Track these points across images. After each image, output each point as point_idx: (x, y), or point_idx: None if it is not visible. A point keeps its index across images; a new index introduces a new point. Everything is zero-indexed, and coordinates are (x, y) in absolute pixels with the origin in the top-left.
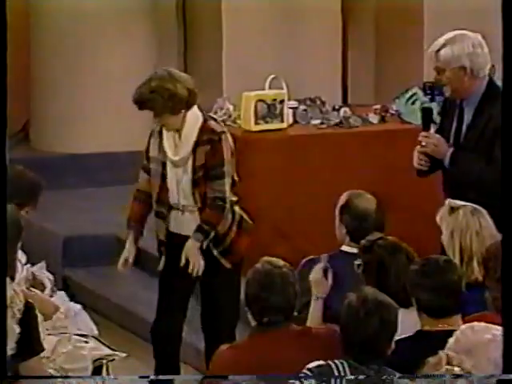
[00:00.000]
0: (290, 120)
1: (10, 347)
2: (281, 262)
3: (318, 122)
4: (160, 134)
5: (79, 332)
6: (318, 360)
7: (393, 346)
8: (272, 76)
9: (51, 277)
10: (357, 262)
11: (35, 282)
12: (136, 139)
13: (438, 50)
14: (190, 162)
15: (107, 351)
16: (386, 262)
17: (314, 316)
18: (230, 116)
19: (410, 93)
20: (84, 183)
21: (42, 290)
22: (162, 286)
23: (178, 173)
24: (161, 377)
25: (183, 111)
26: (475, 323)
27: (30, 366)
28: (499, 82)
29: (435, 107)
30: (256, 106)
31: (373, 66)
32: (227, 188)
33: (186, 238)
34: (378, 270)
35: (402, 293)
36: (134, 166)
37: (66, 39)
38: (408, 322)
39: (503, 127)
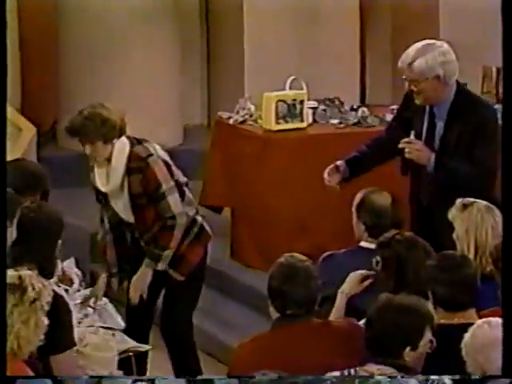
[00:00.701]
0: (310, 120)
1: (39, 338)
2: (303, 257)
3: (336, 121)
4: (93, 167)
5: (106, 325)
6: (338, 352)
7: (410, 353)
8: (292, 77)
9: (79, 272)
10: (375, 259)
11: (64, 278)
12: (161, 139)
13: (411, 63)
14: (125, 191)
15: (133, 343)
16: (404, 256)
17: (339, 310)
18: (251, 116)
19: None
20: None
21: (70, 285)
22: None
23: (116, 203)
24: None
25: (114, 140)
26: (491, 318)
27: (62, 359)
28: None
29: None
30: (277, 106)
31: (390, 66)
32: (173, 205)
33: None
34: (397, 265)
35: (420, 286)
36: None
37: (93, 42)
38: None
39: (503, 127)
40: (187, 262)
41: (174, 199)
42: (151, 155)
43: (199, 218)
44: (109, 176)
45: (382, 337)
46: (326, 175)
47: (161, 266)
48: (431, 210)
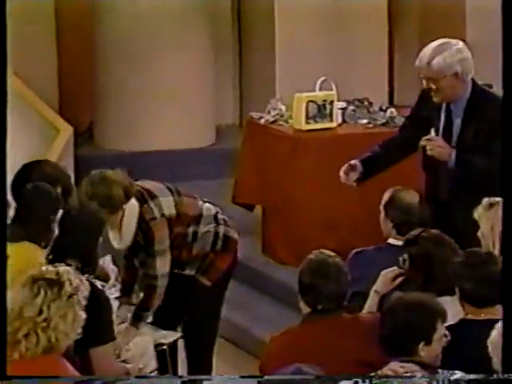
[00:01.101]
0: (339, 120)
1: (77, 332)
2: (332, 253)
3: (365, 121)
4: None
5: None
6: (367, 346)
7: (424, 349)
8: (322, 78)
9: (115, 269)
10: (402, 258)
11: (101, 273)
12: (194, 138)
13: (429, 61)
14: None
15: (164, 332)
16: (431, 253)
17: (371, 308)
18: (282, 116)
19: None
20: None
21: (107, 281)
22: None
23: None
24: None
25: (124, 206)
26: None
27: (102, 352)
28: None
29: None
30: (307, 107)
31: None
32: (158, 266)
33: None
34: (424, 262)
35: (447, 283)
36: (192, 164)
37: (129, 44)
38: (453, 309)
39: (503, 127)
40: (216, 269)
41: (162, 261)
42: (154, 219)
43: (221, 230)
44: (122, 236)
45: (394, 335)
46: (341, 173)
47: (142, 326)
48: (449, 207)
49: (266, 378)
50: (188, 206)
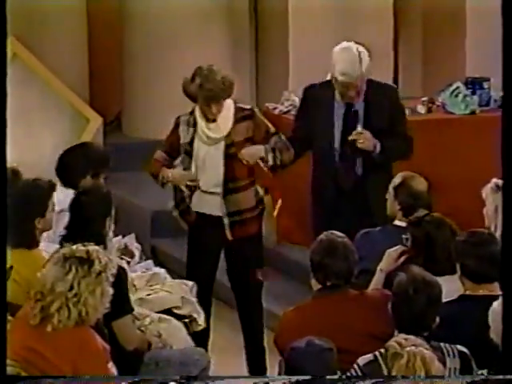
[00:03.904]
0: None
1: (105, 307)
2: (341, 234)
3: None
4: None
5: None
6: (374, 320)
7: (437, 320)
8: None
9: (139, 247)
10: (404, 236)
11: (126, 251)
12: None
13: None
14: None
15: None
16: (432, 235)
17: (377, 286)
18: (295, 106)
19: (453, 86)
20: None
21: (131, 258)
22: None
23: (209, 151)
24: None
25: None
26: None
27: (123, 323)
28: None
29: (476, 100)
30: None
31: (420, 62)
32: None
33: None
34: (426, 243)
35: (447, 262)
36: None
37: (153, 40)
38: (453, 287)
39: (503, 127)
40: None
41: None
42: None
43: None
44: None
45: (419, 313)
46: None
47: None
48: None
49: (269, 377)
50: None
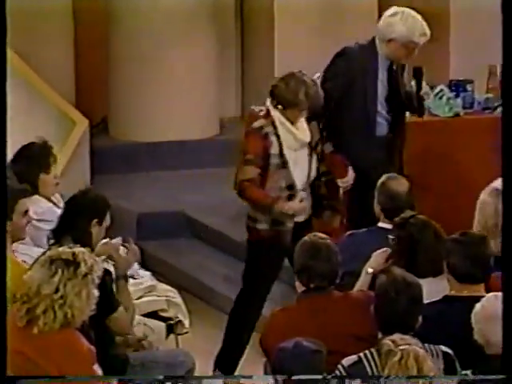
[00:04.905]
0: None
1: (91, 309)
2: (324, 235)
3: None
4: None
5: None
6: (358, 321)
7: (420, 320)
8: (318, 74)
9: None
10: (391, 236)
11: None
12: (201, 129)
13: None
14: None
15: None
16: (416, 237)
17: (362, 286)
18: None
19: (437, 89)
20: (156, 168)
21: None
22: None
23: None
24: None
25: None
26: (499, 293)
27: (116, 317)
28: None
29: (460, 102)
30: None
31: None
32: None
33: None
34: (410, 244)
35: (429, 264)
36: (200, 152)
37: (139, 41)
38: (435, 288)
39: (503, 126)
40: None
41: None
42: None
43: None
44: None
45: (402, 313)
46: None
47: None
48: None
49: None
50: None
